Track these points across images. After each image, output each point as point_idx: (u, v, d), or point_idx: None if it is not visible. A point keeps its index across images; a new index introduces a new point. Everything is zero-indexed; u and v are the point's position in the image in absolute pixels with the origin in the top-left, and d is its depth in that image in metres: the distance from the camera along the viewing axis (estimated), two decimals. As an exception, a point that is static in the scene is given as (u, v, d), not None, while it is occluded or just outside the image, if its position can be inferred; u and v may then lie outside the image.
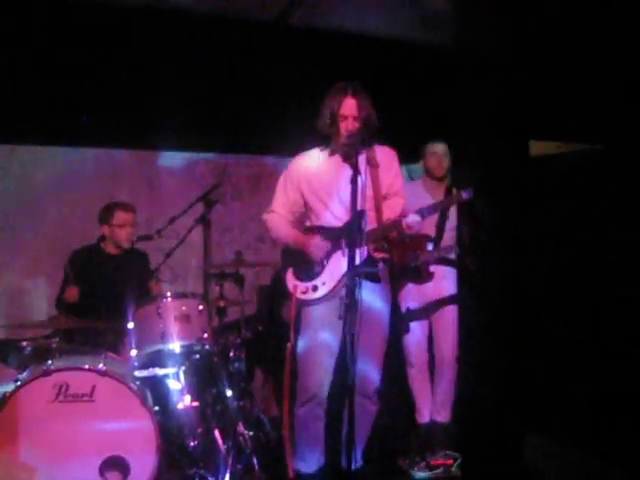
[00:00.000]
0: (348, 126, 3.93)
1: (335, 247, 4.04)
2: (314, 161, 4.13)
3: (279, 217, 4.20)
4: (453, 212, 5.11)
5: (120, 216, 5.08)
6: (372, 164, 4.00)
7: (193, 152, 6.09)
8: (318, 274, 4.06)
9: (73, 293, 4.79)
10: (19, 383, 3.86)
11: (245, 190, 6.24)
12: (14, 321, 5.41)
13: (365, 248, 3.88)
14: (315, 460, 4.18)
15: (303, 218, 4.26)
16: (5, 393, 3.86)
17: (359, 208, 3.59)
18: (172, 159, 6.07)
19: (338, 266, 4.00)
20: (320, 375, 4.03)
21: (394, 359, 4.97)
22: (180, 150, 6.02)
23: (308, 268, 4.08)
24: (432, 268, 4.93)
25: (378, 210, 4.03)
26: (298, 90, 5.41)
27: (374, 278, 4.04)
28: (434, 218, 5.02)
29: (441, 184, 5.17)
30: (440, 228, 5.09)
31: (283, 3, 5.03)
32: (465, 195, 4.21)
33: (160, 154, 6.03)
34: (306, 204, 4.16)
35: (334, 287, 4.00)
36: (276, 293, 5.76)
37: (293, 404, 4.15)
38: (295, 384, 4.13)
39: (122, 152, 5.94)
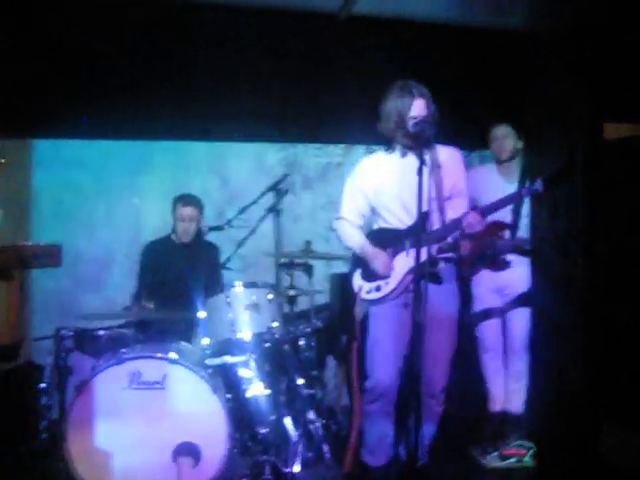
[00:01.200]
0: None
1: (399, 248, 4.04)
2: (378, 165, 4.12)
3: (348, 224, 4.21)
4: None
5: (180, 210, 5.17)
6: (435, 165, 3.96)
7: (263, 142, 6.11)
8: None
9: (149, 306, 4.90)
10: (94, 371, 3.97)
11: (315, 179, 6.24)
12: (91, 311, 5.54)
13: (426, 249, 3.80)
14: (383, 454, 4.17)
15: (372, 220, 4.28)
16: (81, 380, 3.97)
17: (424, 209, 3.59)
18: (242, 149, 6.10)
19: (401, 266, 4.01)
20: (389, 374, 4.02)
21: (467, 345, 4.92)
22: (250, 140, 6.05)
23: (373, 269, 4.10)
24: (508, 256, 4.86)
25: (441, 211, 4.00)
26: (366, 79, 5.39)
27: (435, 279, 4.01)
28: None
29: (511, 167, 5.07)
30: (516, 215, 5.00)
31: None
32: (536, 187, 4.11)
33: (230, 145, 6.08)
34: (372, 208, 4.17)
35: (396, 286, 4.02)
36: (346, 283, 5.77)
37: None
38: (363, 382, 4.14)
39: (192, 143, 6.00)
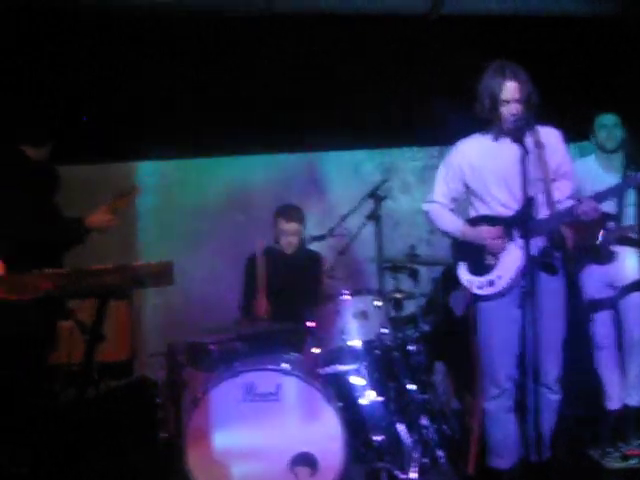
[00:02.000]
0: (511, 110, 3.78)
1: (507, 237, 3.90)
2: (476, 147, 4.00)
3: (441, 207, 4.10)
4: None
5: (283, 225, 5.21)
6: (538, 146, 3.80)
7: (358, 150, 6.12)
8: (492, 267, 3.92)
9: (263, 304, 4.95)
10: (209, 385, 4.04)
11: (412, 183, 6.21)
12: (200, 326, 5.65)
13: (539, 238, 3.80)
14: (511, 455, 4.05)
15: (463, 207, 4.15)
16: (196, 395, 4.05)
17: (529, 194, 3.53)
18: (338, 159, 6.13)
19: (512, 258, 3.86)
20: (507, 369, 3.94)
21: (580, 343, 4.81)
22: (345, 149, 6.08)
23: (481, 261, 3.96)
24: (615, 248, 4.73)
25: (548, 193, 3.83)
26: (459, 78, 5.34)
27: (551, 269, 3.90)
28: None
29: (614, 158, 4.94)
30: (620, 204, 4.86)
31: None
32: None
33: (326, 155, 6.12)
34: (470, 193, 4.05)
35: (511, 280, 3.87)
36: (448, 284, 5.73)
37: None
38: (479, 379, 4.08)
39: (289, 156, 6.08)
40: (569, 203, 3.87)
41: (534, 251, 3.69)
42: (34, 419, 4.26)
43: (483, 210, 4.00)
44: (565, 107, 5.23)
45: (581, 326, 4.98)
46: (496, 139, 3.93)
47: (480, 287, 3.94)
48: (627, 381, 4.97)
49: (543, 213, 3.84)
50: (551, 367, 3.95)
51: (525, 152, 3.49)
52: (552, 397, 4.00)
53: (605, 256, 4.74)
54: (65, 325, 4.58)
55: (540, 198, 3.82)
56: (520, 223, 3.75)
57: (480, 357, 4.04)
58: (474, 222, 4.03)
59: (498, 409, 4.00)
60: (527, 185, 3.47)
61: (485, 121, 3.93)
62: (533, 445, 3.55)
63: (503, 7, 5.29)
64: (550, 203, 3.83)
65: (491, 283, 3.91)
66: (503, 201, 3.90)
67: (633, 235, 4.75)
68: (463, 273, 4.04)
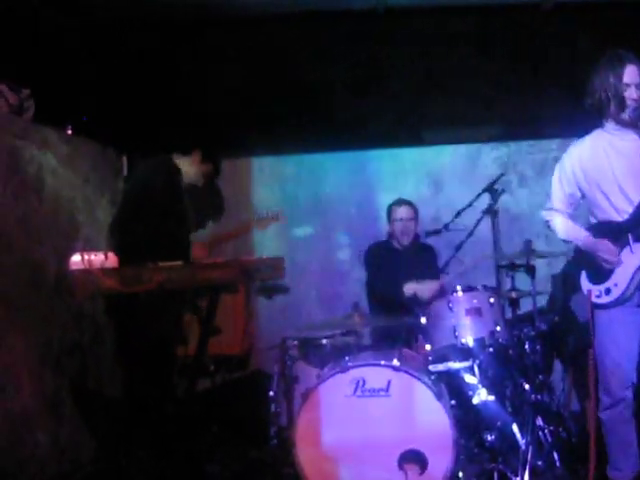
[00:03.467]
0: (632, 94, 3.63)
1: (623, 243, 3.77)
2: (588, 147, 3.85)
3: (560, 215, 4.01)
4: None
5: (395, 211, 5.27)
6: None
7: (475, 143, 6.02)
8: (609, 275, 3.81)
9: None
10: (319, 380, 4.06)
11: (531, 177, 6.05)
12: (313, 321, 5.69)
13: None
14: (630, 466, 3.88)
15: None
16: (307, 389, 4.07)
17: None
18: (455, 152, 6.04)
19: (629, 264, 3.75)
20: (624, 378, 3.80)
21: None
22: (461, 142, 5.99)
23: (599, 269, 3.85)
24: None
25: None
26: (576, 68, 5.18)
27: None
28: None
29: None
30: None
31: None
32: None
33: (443, 148, 6.03)
34: (585, 197, 3.92)
35: (627, 287, 3.75)
36: (567, 284, 5.56)
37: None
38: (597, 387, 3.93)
39: (404, 150, 6.02)
40: None
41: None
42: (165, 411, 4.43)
43: (600, 216, 3.88)
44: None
45: None
46: (611, 135, 3.77)
47: (598, 296, 3.85)
48: None
49: None
50: None
51: None
52: None
53: None
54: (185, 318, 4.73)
55: None
56: (634, 226, 3.68)
57: (596, 365, 3.90)
58: (591, 230, 3.93)
59: (613, 419, 3.84)
60: None
61: (598, 117, 3.79)
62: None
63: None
64: None
65: (608, 291, 3.82)
66: (617, 204, 3.76)
67: None
68: (584, 281, 3.97)
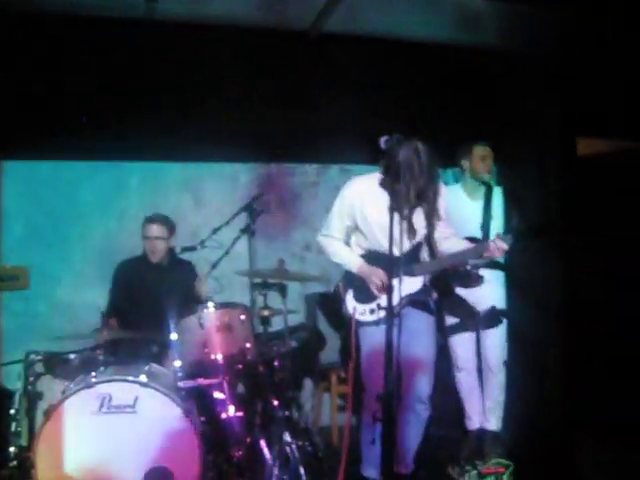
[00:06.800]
0: None
1: (394, 275, 4.01)
2: (367, 185, 4.20)
3: (337, 242, 4.35)
4: (497, 210, 5.05)
5: (146, 228, 5.20)
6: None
7: (236, 162, 6.08)
8: (375, 297, 4.20)
9: (113, 324, 4.90)
10: (64, 396, 3.91)
11: (289, 199, 6.20)
12: (62, 334, 5.47)
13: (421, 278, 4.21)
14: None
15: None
16: (51, 405, 3.91)
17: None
18: (216, 170, 6.06)
19: (397, 292, 3.99)
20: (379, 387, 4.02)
21: (442, 365, 4.91)
22: (223, 161, 6.02)
23: (365, 290, 4.22)
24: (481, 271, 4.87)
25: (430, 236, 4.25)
26: (340, 97, 5.40)
27: (425, 307, 4.30)
28: (478, 218, 4.99)
29: (480, 186, 5.12)
30: (485, 229, 5.02)
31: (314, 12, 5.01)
32: (492, 245, 4.16)
33: (204, 165, 6.03)
34: (360, 230, 4.27)
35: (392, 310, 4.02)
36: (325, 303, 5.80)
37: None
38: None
39: (166, 164, 5.96)
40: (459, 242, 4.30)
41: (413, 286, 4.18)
42: None
43: (366, 245, 4.28)
44: (438, 132, 5.32)
45: (445, 349, 5.11)
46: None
47: (362, 313, 4.20)
48: (485, 405, 5.11)
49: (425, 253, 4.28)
50: (425, 385, 4.24)
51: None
52: (424, 413, 4.26)
53: (473, 280, 4.86)
54: None
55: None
56: (406, 263, 4.06)
57: (358, 375, 4.21)
58: (366, 257, 4.28)
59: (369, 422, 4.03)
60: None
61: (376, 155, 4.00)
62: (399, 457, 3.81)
63: (385, 30, 5.34)
64: (432, 245, 4.27)
65: (372, 311, 4.19)
66: (382, 244, 4.01)
67: (500, 260, 4.88)
68: (349, 300, 4.29)
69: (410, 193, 3.95)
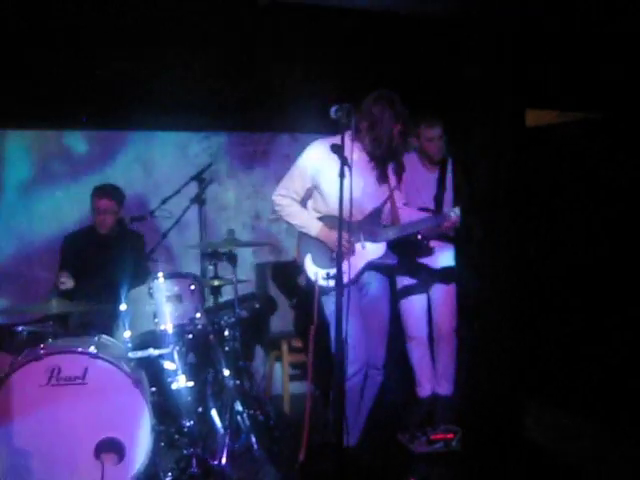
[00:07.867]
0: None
1: (356, 239, 4.16)
2: (327, 149, 4.06)
3: (295, 204, 4.27)
4: (449, 184, 5.07)
5: (96, 202, 5.13)
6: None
7: (186, 131, 6.01)
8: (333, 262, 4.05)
9: (63, 279, 4.81)
10: (11, 368, 3.85)
11: (240, 168, 6.16)
12: (9, 306, 5.41)
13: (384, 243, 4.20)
14: (357, 429, 4.33)
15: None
16: (-2, 378, 3.86)
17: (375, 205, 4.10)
18: (166, 139, 5.99)
19: (360, 257, 4.15)
20: (355, 353, 4.07)
21: (394, 333, 4.95)
22: (173, 130, 5.95)
23: (327, 256, 4.19)
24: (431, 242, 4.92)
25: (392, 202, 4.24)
26: (289, 66, 5.35)
27: (389, 272, 4.36)
28: (432, 190, 5.02)
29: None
30: (439, 201, 5.04)
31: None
32: (453, 216, 4.27)
33: (153, 134, 5.95)
34: (320, 193, 4.20)
35: (356, 275, 4.16)
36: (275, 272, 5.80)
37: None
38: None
39: (115, 133, 5.87)
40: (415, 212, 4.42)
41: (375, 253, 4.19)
42: None
43: (323, 208, 4.21)
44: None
45: (396, 317, 5.15)
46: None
47: (325, 279, 4.08)
48: (436, 371, 5.18)
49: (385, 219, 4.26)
50: (381, 352, 4.32)
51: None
52: (378, 378, 4.33)
53: (423, 251, 4.91)
54: None
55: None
56: (367, 227, 4.14)
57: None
58: (325, 220, 4.21)
59: (351, 388, 4.09)
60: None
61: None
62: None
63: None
64: (394, 211, 4.26)
65: (329, 276, 4.04)
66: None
67: (450, 232, 4.92)
68: (309, 265, 4.24)
69: (382, 146, 4.04)
